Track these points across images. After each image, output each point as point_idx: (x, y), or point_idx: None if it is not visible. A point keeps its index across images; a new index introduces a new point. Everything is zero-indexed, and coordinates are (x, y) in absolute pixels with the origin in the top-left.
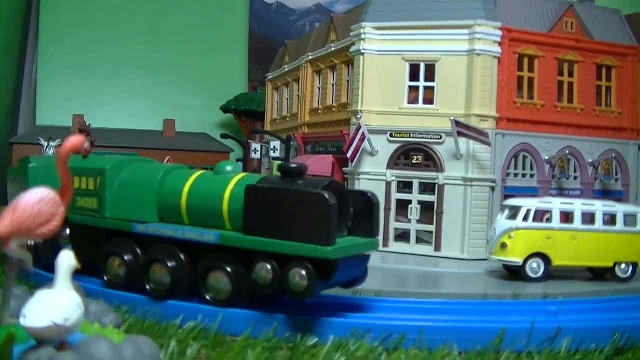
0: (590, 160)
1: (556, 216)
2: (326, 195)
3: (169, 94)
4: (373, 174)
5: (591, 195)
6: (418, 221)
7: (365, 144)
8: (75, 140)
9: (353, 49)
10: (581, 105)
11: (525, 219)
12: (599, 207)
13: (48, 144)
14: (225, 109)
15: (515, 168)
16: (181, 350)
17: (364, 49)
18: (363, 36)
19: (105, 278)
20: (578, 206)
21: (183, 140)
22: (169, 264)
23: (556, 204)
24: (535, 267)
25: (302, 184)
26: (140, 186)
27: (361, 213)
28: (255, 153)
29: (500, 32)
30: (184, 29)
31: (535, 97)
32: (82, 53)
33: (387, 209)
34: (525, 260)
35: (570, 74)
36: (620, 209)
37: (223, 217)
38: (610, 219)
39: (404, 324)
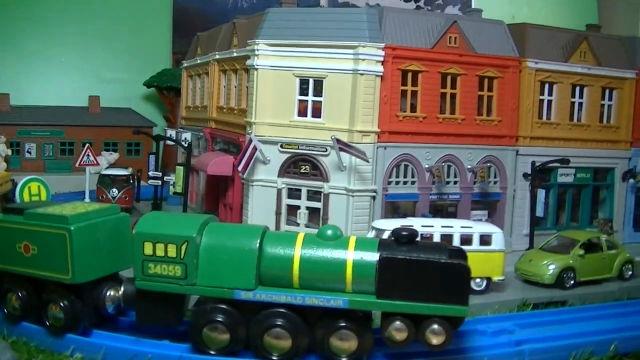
0: (469, 167)
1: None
2: (465, 264)
3: (96, 68)
4: (265, 181)
5: (470, 198)
6: (306, 225)
7: (258, 153)
8: None
9: (248, 62)
10: (462, 116)
11: None
12: (457, 228)
13: None
14: (148, 85)
15: (397, 176)
16: None
17: (257, 65)
18: (257, 52)
19: (212, 352)
20: (437, 228)
21: (108, 116)
22: (290, 330)
23: (417, 227)
24: None
25: (429, 250)
26: (236, 252)
27: None
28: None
29: (382, 53)
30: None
31: (418, 109)
32: (9, 30)
33: (278, 214)
34: None
35: (453, 86)
36: (477, 230)
37: (346, 282)
38: (467, 239)
39: None
